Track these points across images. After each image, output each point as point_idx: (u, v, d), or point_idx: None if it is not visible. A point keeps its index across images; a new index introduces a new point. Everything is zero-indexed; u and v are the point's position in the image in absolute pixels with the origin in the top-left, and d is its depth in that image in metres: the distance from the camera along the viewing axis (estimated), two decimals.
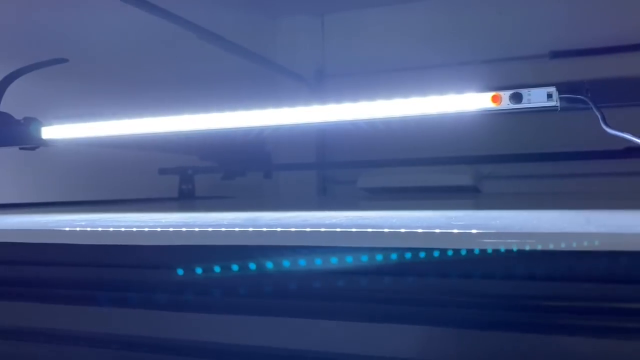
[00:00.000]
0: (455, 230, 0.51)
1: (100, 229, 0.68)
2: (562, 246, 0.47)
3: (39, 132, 1.04)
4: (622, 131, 0.63)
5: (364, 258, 0.52)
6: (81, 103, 1.50)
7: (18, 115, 1.12)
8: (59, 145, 1.15)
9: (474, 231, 0.51)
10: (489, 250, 0.50)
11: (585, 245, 0.47)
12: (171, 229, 0.62)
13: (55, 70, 1.30)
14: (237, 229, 0.58)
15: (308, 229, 0.55)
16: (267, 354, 0.61)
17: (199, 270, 0.63)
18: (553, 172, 2.00)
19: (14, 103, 1.17)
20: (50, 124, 1.06)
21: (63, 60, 1.16)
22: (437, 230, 0.50)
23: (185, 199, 1.77)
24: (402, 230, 0.51)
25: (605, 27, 2.28)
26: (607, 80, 2.00)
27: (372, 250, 0.52)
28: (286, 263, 0.59)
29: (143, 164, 1.72)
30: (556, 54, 2.32)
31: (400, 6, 2.58)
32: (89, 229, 0.69)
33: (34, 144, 1.08)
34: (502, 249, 0.50)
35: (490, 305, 0.53)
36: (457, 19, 2.49)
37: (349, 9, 2.67)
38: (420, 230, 0.50)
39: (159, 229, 0.65)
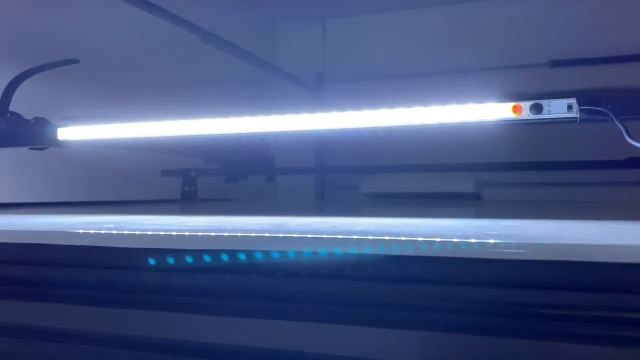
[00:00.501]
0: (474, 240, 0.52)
1: (103, 232, 0.69)
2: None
3: (49, 132, 1.04)
4: None
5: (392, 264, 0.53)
6: (87, 104, 1.50)
7: (27, 115, 1.12)
8: (64, 146, 1.15)
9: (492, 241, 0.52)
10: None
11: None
12: (200, 233, 0.62)
13: (62, 71, 1.30)
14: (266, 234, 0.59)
15: (355, 237, 0.56)
16: (269, 356, 0.61)
17: (201, 273, 0.64)
18: (553, 180, 2.02)
19: (21, 103, 1.17)
20: (60, 125, 1.06)
21: (74, 61, 1.16)
22: (473, 240, 0.50)
23: (188, 201, 1.77)
24: (455, 239, 0.51)
25: (603, 38, 2.30)
26: (627, 91, 2.02)
27: (398, 258, 0.53)
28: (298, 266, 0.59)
29: (146, 166, 1.72)
30: (556, 63, 2.35)
31: (401, 12, 2.59)
32: (93, 231, 0.69)
33: (44, 145, 1.08)
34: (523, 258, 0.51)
35: (484, 311, 0.54)
36: (458, 27, 2.51)
37: (350, 15, 2.68)
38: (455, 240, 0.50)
39: (174, 233, 0.66)
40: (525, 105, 0.70)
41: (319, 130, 0.96)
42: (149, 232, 0.67)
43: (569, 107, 0.68)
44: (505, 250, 0.50)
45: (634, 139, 0.66)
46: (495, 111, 0.72)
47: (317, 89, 2.65)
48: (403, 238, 0.54)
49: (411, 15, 2.58)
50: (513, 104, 0.71)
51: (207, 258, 0.63)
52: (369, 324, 0.57)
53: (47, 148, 1.11)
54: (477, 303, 0.54)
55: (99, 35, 1.65)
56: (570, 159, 1.72)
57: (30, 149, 1.11)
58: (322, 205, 1.82)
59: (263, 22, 2.72)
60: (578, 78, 2.29)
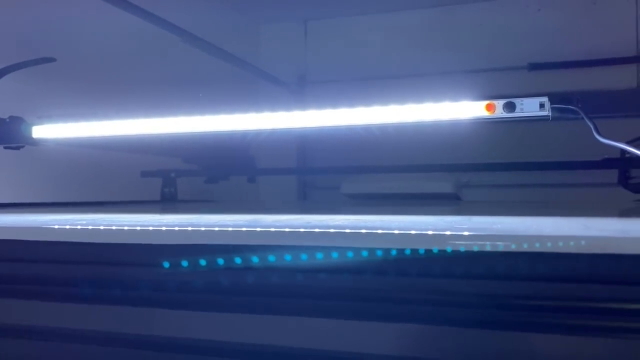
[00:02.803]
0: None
1: (90, 227, 0.68)
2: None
3: (24, 131, 1.03)
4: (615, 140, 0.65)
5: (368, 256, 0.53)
6: (64, 104, 1.49)
7: (2, 114, 1.11)
8: (41, 146, 1.14)
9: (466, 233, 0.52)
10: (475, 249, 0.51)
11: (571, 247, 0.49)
12: (177, 229, 0.62)
13: (40, 70, 1.28)
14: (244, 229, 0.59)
15: (321, 230, 0.56)
16: (263, 352, 0.61)
17: (193, 268, 0.64)
18: (532, 182, 2.05)
19: None
20: (36, 124, 1.05)
21: (50, 60, 1.15)
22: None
23: (168, 202, 1.76)
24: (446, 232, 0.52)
25: (580, 42, 2.35)
26: (597, 92, 2.07)
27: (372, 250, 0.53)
28: (285, 260, 0.60)
29: (125, 167, 1.71)
30: (534, 66, 2.38)
31: (381, 16, 2.61)
32: (80, 227, 0.69)
33: (19, 144, 1.07)
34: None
35: (476, 304, 0.55)
36: (438, 30, 2.54)
37: (332, 17, 2.69)
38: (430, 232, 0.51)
39: (163, 228, 0.66)
40: (499, 103, 0.71)
41: (296, 128, 0.96)
42: (125, 227, 0.67)
43: (541, 106, 0.70)
44: (478, 242, 0.50)
45: (602, 136, 0.68)
46: (470, 109, 0.73)
47: (299, 90, 2.65)
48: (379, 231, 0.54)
49: (392, 18, 2.60)
50: (487, 102, 0.72)
51: (187, 253, 0.63)
52: (347, 317, 0.58)
53: (22, 147, 1.10)
54: (453, 295, 0.54)
55: (78, 34, 1.63)
56: (550, 159, 1.74)
57: (5, 147, 1.09)
58: (301, 205, 1.82)
59: (245, 24, 2.72)
60: (556, 81, 2.33)
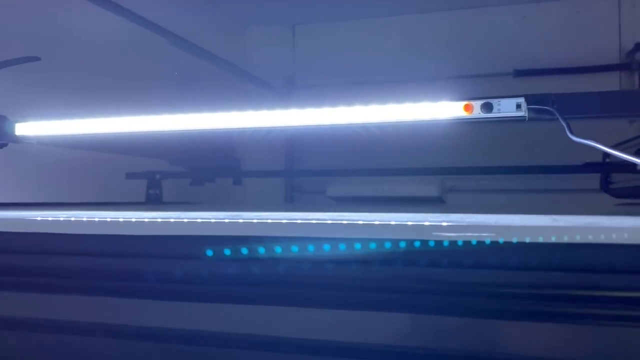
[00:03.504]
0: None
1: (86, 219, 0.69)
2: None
3: (7, 129, 1.03)
4: (585, 139, 0.66)
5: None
6: (49, 103, 1.48)
7: None
8: (22, 145, 1.13)
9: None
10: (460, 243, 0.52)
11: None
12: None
13: (25, 69, 1.28)
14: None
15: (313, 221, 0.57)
16: (260, 342, 0.62)
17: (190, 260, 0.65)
18: (516, 187, 2.07)
19: None
20: (18, 121, 1.04)
21: (35, 59, 1.15)
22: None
23: (153, 204, 1.75)
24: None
25: (565, 49, 2.38)
26: (572, 94, 2.09)
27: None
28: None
29: (110, 168, 1.70)
30: (519, 73, 2.41)
31: (369, 21, 2.63)
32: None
33: (1, 141, 1.06)
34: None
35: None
36: (425, 36, 2.56)
37: (320, 21, 2.71)
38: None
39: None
40: (477, 104, 0.72)
41: (280, 127, 0.96)
42: (108, 219, 0.68)
43: (518, 106, 0.71)
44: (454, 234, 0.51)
45: (575, 135, 0.69)
46: (448, 109, 0.74)
47: (286, 93, 2.66)
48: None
49: (379, 23, 2.62)
50: (465, 102, 0.73)
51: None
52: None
53: (5, 145, 1.09)
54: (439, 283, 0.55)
55: (64, 35, 1.63)
56: (533, 164, 1.76)
57: None
58: (287, 206, 1.82)
59: (233, 27, 2.72)
60: (540, 87, 2.34)
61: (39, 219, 0.74)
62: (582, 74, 2.35)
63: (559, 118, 0.69)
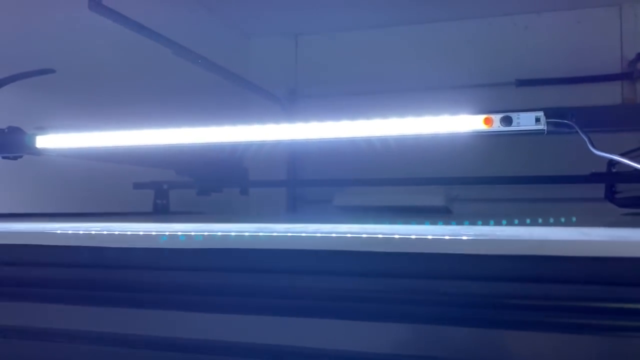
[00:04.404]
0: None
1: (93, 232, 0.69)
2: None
3: (25, 140, 1.03)
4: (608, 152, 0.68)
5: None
6: (60, 115, 1.49)
7: (1, 125, 1.11)
8: (36, 156, 1.14)
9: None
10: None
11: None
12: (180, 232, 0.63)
13: (38, 81, 1.29)
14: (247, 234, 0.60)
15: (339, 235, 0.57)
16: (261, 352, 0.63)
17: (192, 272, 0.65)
18: (522, 196, 2.08)
19: None
20: (37, 133, 1.05)
21: (50, 71, 1.16)
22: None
23: (160, 214, 1.76)
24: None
25: (566, 59, 2.40)
26: (591, 108, 2.12)
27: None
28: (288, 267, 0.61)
29: (117, 178, 1.71)
30: (522, 82, 2.43)
31: (372, 31, 2.65)
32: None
33: (17, 153, 1.07)
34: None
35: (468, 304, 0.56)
36: (427, 46, 2.58)
37: (323, 32, 2.73)
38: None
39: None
40: (496, 117, 0.73)
41: (284, 140, 0.98)
42: (116, 232, 0.68)
43: (537, 120, 0.72)
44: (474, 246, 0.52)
45: (596, 149, 0.70)
46: (468, 123, 0.75)
47: (290, 104, 2.68)
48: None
49: (382, 34, 2.64)
50: (484, 116, 0.74)
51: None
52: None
53: (20, 157, 1.10)
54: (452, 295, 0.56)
55: (73, 46, 1.64)
56: (538, 174, 1.78)
57: (3, 157, 1.10)
58: (294, 216, 1.83)
59: (236, 37, 2.74)
60: (542, 97, 2.38)
61: (58, 232, 0.74)
62: (583, 84, 2.36)
63: (579, 131, 0.70)
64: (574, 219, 0.87)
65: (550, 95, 2.39)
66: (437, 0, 2.38)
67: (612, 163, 1.48)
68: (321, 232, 0.59)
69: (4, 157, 1.09)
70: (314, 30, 2.74)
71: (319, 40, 2.76)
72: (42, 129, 1.12)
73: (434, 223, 0.98)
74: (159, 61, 1.92)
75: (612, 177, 1.49)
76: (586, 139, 0.70)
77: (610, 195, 1.56)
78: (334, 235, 0.57)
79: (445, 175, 1.84)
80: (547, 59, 2.44)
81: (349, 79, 2.60)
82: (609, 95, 2.35)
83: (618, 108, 2.28)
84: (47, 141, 1.10)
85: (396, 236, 0.54)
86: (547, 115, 0.72)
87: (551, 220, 1.01)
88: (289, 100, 2.69)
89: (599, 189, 1.58)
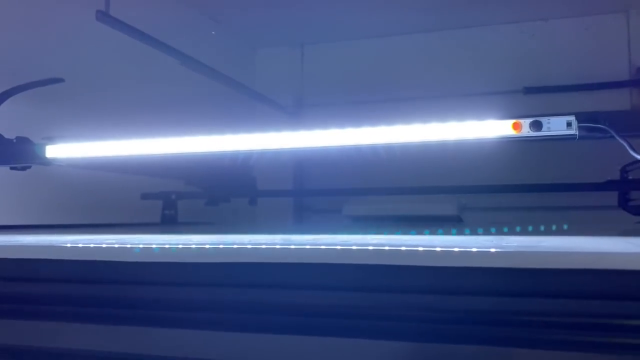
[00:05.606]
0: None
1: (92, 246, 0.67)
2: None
3: (34, 151, 1.02)
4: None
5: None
6: (68, 125, 1.47)
7: (9, 135, 1.09)
8: (50, 165, 1.13)
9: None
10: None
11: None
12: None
13: (43, 91, 1.27)
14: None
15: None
16: None
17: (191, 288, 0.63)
18: (534, 204, 2.06)
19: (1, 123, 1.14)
20: (47, 143, 1.03)
21: (59, 80, 1.14)
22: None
23: (168, 225, 1.74)
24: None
25: (573, 66, 2.39)
26: (622, 112, 2.10)
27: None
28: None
29: (125, 188, 1.69)
30: (529, 90, 2.42)
31: (377, 40, 2.64)
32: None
33: (25, 164, 1.05)
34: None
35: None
36: (433, 54, 2.57)
37: (329, 41, 2.72)
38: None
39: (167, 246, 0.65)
40: (525, 122, 0.71)
41: (290, 149, 0.96)
42: (128, 245, 0.66)
43: (569, 124, 0.70)
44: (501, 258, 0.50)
45: (638, 153, 0.68)
46: (496, 128, 0.73)
47: (296, 113, 2.66)
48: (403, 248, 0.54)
49: (387, 42, 2.63)
50: (513, 121, 0.72)
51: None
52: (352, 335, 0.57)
53: (29, 167, 1.08)
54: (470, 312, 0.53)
55: (81, 56, 1.63)
56: (551, 182, 1.75)
57: (11, 168, 1.08)
58: (305, 226, 1.81)
59: (242, 47, 2.73)
60: (550, 104, 2.37)
61: (68, 245, 0.72)
62: (592, 91, 2.35)
63: (615, 136, 0.68)
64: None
65: (558, 103, 2.37)
66: (443, 9, 2.37)
67: (625, 170, 1.46)
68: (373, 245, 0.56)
69: (12, 168, 1.07)
70: (319, 40, 2.73)
71: (325, 49, 2.75)
72: (51, 139, 1.10)
73: (448, 232, 0.96)
74: (166, 71, 1.91)
75: (625, 184, 1.47)
76: (626, 145, 0.68)
77: (624, 203, 1.54)
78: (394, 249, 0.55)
79: (455, 184, 1.82)
80: (554, 66, 2.43)
81: (355, 87, 2.58)
82: (618, 102, 2.33)
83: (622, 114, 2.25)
84: (56, 151, 1.08)
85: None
86: (579, 120, 0.70)
87: (565, 227, 0.99)
88: (296, 109, 2.67)
89: (611, 197, 1.55)
